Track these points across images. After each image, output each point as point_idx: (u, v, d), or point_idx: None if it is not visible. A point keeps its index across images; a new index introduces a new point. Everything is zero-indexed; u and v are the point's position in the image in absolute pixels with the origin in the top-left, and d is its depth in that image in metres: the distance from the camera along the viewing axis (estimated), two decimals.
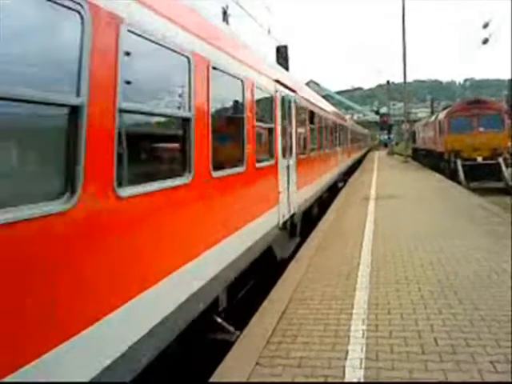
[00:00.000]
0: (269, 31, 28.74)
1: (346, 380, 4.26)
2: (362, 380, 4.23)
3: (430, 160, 34.61)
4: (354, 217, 13.33)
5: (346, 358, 4.65)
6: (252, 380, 4.33)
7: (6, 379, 2.30)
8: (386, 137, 71.25)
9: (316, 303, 6.37)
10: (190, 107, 4.59)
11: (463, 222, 11.70)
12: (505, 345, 4.74)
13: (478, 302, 6.05)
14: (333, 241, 10.29)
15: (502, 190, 23.25)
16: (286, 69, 25.49)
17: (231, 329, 5.64)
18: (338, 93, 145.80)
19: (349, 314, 5.88)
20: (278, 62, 24.44)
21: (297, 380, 4.29)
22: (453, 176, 25.59)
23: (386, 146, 73.39)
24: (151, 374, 3.97)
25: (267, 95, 8.15)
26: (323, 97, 29.94)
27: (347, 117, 37.46)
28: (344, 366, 4.50)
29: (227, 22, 25.31)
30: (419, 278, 7.20)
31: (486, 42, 32.15)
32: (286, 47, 28.63)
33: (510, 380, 3.64)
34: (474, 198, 17.12)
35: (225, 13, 25.90)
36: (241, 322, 5.82)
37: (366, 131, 59.26)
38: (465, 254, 8.51)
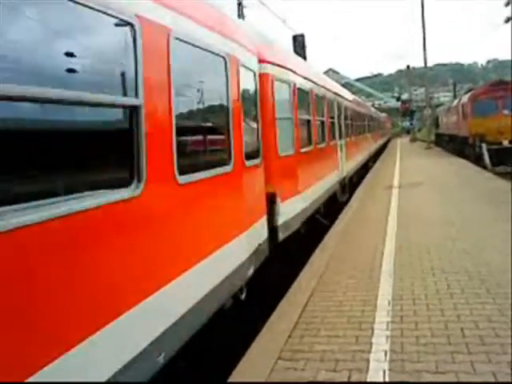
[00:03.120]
0: (284, 21, 28.45)
1: (370, 371, 4.18)
2: (387, 372, 4.14)
3: (454, 145, 33.89)
4: (376, 210, 13.13)
5: (370, 351, 4.55)
6: (274, 375, 4.27)
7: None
8: (408, 123, 70.15)
9: (339, 295, 6.27)
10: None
11: (490, 209, 11.40)
12: None
13: (507, 291, 5.86)
14: (356, 232, 10.15)
15: None
16: (304, 58, 25.22)
17: None
18: (358, 80, 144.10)
19: (373, 305, 5.77)
20: (295, 52, 24.22)
21: (320, 375, 4.21)
22: (478, 161, 24.99)
23: (408, 132, 72.32)
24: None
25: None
26: (343, 85, 29.60)
27: (368, 104, 37.01)
28: (368, 359, 4.40)
29: (243, 14, 25.12)
30: (445, 267, 7.03)
31: (508, 20, 31.20)
32: (302, 36, 28.32)
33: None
34: (500, 182, 16.68)
35: (240, 4, 25.70)
36: None
37: (383, 115, 58.19)
38: (491, 242, 8.27)
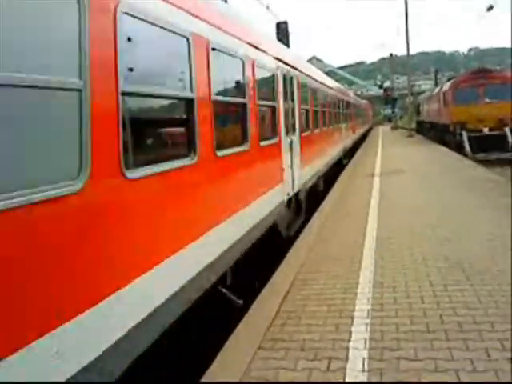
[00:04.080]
0: (267, 7, 28.16)
1: (349, 359, 4.18)
2: (366, 360, 4.14)
3: (435, 133, 34.18)
4: (359, 193, 13.18)
5: (349, 340, 4.56)
6: (254, 365, 4.25)
7: None
8: (389, 111, 70.43)
9: (321, 283, 6.27)
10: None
11: (470, 196, 11.52)
12: None
13: (485, 278, 5.93)
14: (338, 218, 10.17)
15: (509, 161, 22.95)
16: (287, 45, 25.04)
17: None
18: (341, 68, 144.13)
19: (353, 293, 5.78)
20: (278, 39, 24.01)
21: (300, 363, 4.20)
22: (459, 148, 25.26)
23: (390, 120, 72.67)
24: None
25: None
26: (326, 73, 29.51)
27: (350, 92, 36.69)
28: (348, 348, 4.40)
29: None
30: (426, 254, 7.08)
31: (490, 8, 31.38)
32: (286, 23, 28.11)
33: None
34: (480, 169, 16.88)
35: None
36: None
37: (364, 102, 53.08)
38: (471, 229, 8.36)
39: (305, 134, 11.15)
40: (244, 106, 6.44)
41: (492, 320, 4.70)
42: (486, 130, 25.50)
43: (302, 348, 4.48)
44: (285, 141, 8.82)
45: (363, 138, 40.76)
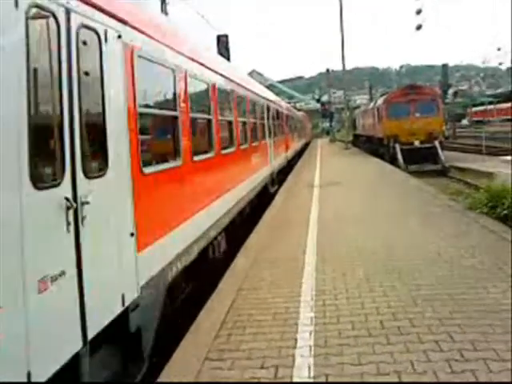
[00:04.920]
0: (207, 21, 28.32)
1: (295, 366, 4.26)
2: (312, 367, 4.23)
3: (371, 146, 35.54)
4: (298, 204, 13.44)
5: (295, 347, 4.64)
6: (202, 376, 4.23)
7: None
8: (327, 124, 72.40)
9: (265, 292, 6.33)
10: None
11: (402, 205, 12.08)
12: (448, 323, 4.89)
13: (420, 282, 6.23)
14: (279, 226, 10.32)
15: (439, 172, 24.31)
16: (228, 59, 25.26)
17: None
18: (281, 82, 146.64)
19: (297, 301, 5.89)
20: (219, 52, 24.16)
21: (246, 373, 4.23)
22: (392, 160, 26.41)
23: (328, 133, 74.72)
24: None
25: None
26: (267, 87, 29.94)
27: (289, 105, 37.22)
28: (294, 355, 4.48)
29: (166, 10, 24.66)
30: (364, 261, 7.33)
31: (419, 28, 33.17)
32: (226, 36, 28.39)
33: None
34: (412, 180, 17.73)
35: (163, 1, 25.20)
36: None
37: (301, 114, 49.36)
38: (407, 237, 8.76)
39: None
40: None
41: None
42: (417, 143, 26.88)
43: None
44: None
45: (300, 153, 35.57)
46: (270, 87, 47.71)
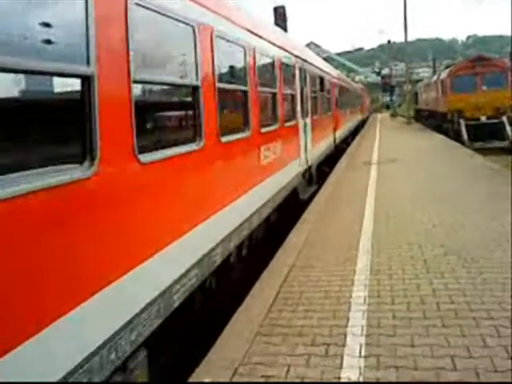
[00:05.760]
0: None
1: (346, 345, 4.23)
2: (363, 344, 4.19)
3: (433, 121, 34.16)
4: (355, 182, 13.20)
5: (347, 326, 4.60)
6: (253, 349, 4.29)
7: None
8: (388, 98, 70.23)
9: (317, 270, 6.30)
10: None
11: (466, 184, 11.56)
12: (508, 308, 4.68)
13: (481, 265, 5.97)
14: (336, 204, 10.20)
15: (506, 150, 22.99)
16: (285, 30, 24.77)
17: None
18: (339, 54, 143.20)
19: (350, 280, 5.83)
20: (276, 24, 23.79)
21: (298, 349, 4.25)
22: (456, 136, 25.27)
23: (388, 107, 72.53)
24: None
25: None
26: (324, 59, 29.27)
27: (348, 79, 36.27)
28: (345, 334, 4.45)
29: None
30: (422, 242, 7.12)
31: None
32: (283, 8, 27.80)
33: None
34: (477, 158, 16.91)
35: None
36: None
37: (359, 86, 46.79)
38: (467, 217, 8.39)
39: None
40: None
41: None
42: (483, 119, 25.52)
43: None
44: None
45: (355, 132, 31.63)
46: (328, 59, 46.56)
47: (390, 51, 71.21)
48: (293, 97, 10.00)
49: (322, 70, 15.45)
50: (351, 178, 13.95)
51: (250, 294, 5.68)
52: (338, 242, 7.49)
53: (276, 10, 26.45)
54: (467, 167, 14.46)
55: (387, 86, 67.14)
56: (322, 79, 14.95)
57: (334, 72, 22.29)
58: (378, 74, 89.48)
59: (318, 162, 13.20)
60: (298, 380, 3.78)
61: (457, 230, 7.65)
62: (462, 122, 25.41)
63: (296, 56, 10.58)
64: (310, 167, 11.49)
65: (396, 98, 69.15)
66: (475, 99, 25.62)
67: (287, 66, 9.50)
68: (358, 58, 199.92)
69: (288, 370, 3.92)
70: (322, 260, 6.65)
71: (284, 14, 26.55)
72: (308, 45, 59.17)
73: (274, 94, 8.28)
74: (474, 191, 10.56)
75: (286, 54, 9.54)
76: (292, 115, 9.83)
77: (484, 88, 25.88)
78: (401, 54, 63.10)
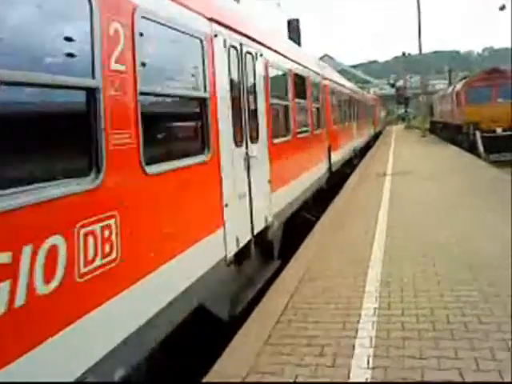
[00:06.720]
0: (278, 4, 28.12)
1: (354, 355, 4.23)
2: (371, 359, 4.19)
3: (449, 133, 33.89)
4: (369, 194, 13.19)
5: (355, 337, 4.61)
6: (261, 360, 4.32)
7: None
8: (403, 110, 69.95)
9: (328, 280, 6.32)
10: None
11: (480, 199, 11.48)
12: None
13: (493, 279, 5.92)
14: (349, 216, 10.20)
15: None
16: (298, 44, 24.98)
17: None
18: (354, 66, 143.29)
19: (361, 291, 5.83)
20: (290, 37, 24.00)
21: (305, 359, 4.27)
22: (472, 149, 25.01)
23: (403, 119, 72.22)
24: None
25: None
26: (338, 71, 29.30)
27: (363, 92, 36.15)
28: (354, 345, 4.45)
29: None
30: (434, 255, 7.09)
31: (502, 8, 30.93)
32: (297, 21, 28.05)
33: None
34: (493, 170, 16.74)
35: None
36: None
37: (371, 96, 45.41)
38: (482, 231, 8.33)
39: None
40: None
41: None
42: (499, 131, 25.25)
43: None
44: None
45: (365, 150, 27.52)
46: (342, 72, 46.69)
47: (404, 63, 71.05)
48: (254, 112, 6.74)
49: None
50: (365, 188, 13.93)
51: (257, 307, 5.72)
52: (349, 253, 7.51)
53: (290, 23, 26.71)
54: (483, 181, 14.34)
55: (402, 98, 66.91)
56: (301, 78, 10.07)
57: (331, 72, 17.60)
58: (393, 85, 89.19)
59: (290, 214, 8.35)
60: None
61: (470, 241, 7.60)
62: (478, 133, 25.17)
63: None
64: (266, 229, 6.63)
65: (411, 110, 68.84)
66: (491, 111, 25.37)
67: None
68: (373, 70, 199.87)
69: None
70: (332, 270, 6.67)
71: (298, 27, 26.80)
72: (322, 57, 59.37)
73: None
74: (489, 205, 10.48)
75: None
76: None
77: (500, 100, 25.67)
78: (416, 66, 62.98)
